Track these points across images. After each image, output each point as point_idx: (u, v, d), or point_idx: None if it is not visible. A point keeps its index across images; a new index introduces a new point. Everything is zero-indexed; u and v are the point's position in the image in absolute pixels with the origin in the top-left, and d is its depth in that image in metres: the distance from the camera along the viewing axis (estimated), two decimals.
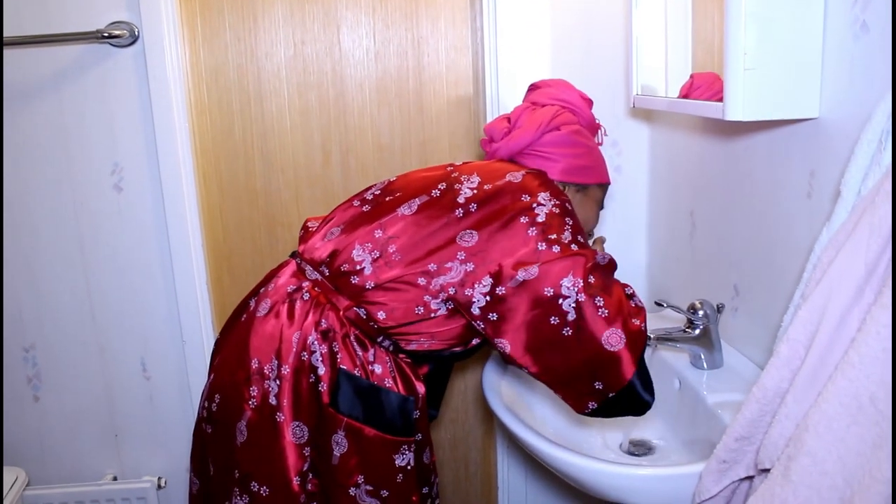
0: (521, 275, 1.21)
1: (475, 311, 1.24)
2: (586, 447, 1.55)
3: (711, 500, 1.13)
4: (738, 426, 1.05)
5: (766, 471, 0.99)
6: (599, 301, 1.20)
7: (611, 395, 1.23)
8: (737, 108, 1.17)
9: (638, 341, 1.22)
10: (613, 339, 1.20)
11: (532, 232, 1.24)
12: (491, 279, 1.23)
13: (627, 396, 1.24)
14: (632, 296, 1.28)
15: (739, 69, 1.15)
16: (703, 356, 1.51)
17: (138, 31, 1.82)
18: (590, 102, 1.53)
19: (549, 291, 1.20)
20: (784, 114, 1.20)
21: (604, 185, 1.51)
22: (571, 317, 1.20)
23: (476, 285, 1.24)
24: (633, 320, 1.23)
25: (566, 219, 1.27)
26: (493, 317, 1.24)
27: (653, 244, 1.98)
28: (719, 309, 1.51)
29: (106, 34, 1.79)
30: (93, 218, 1.95)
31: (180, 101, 1.88)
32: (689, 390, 1.48)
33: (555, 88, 1.52)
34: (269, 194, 2.03)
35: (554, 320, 1.21)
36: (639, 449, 1.53)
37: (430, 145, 2.03)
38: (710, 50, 1.37)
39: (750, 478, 1.08)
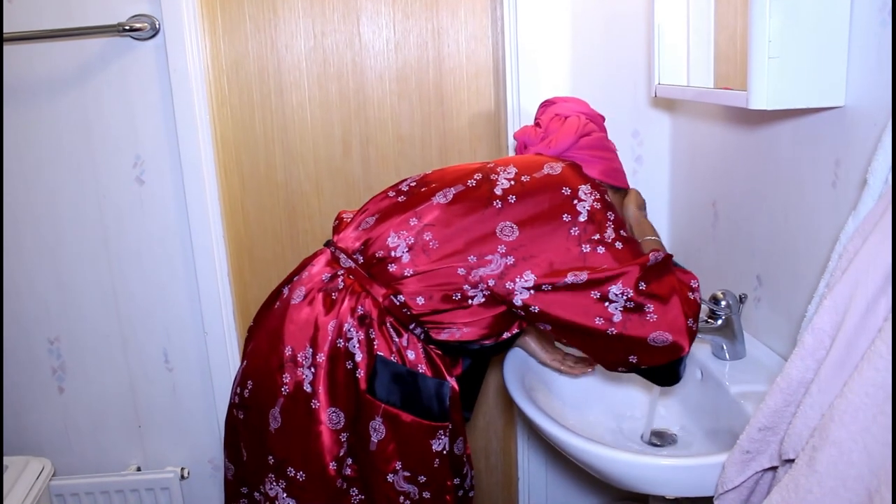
0: (569, 278, 1.22)
1: (517, 301, 1.25)
2: (608, 438, 1.55)
3: (735, 490, 1.12)
4: (761, 416, 1.05)
5: (791, 461, 0.98)
6: (649, 307, 1.22)
7: (643, 367, 1.28)
8: (761, 96, 1.16)
9: (690, 338, 1.24)
10: (659, 339, 1.22)
11: (574, 231, 1.25)
12: (534, 275, 1.24)
13: (660, 371, 1.28)
14: (692, 290, 1.28)
15: (764, 57, 1.14)
16: (725, 347, 1.50)
17: (159, 24, 1.83)
18: (603, 118, 1.58)
19: (595, 295, 1.22)
20: (809, 102, 1.18)
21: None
22: (617, 318, 1.22)
23: (517, 279, 1.24)
24: (690, 322, 1.24)
25: (608, 213, 1.28)
26: (534, 309, 1.25)
27: (675, 234, 1.97)
28: (742, 299, 1.50)
29: (127, 27, 1.79)
30: (116, 210, 1.96)
31: (201, 94, 1.89)
32: (711, 381, 1.47)
33: (574, 103, 1.57)
34: (290, 186, 2.04)
35: (598, 321, 1.22)
36: (660, 439, 1.53)
37: (451, 136, 2.03)
38: (734, 38, 1.36)
39: (773, 468, 1.08)
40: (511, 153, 1.92)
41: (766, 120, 1.44)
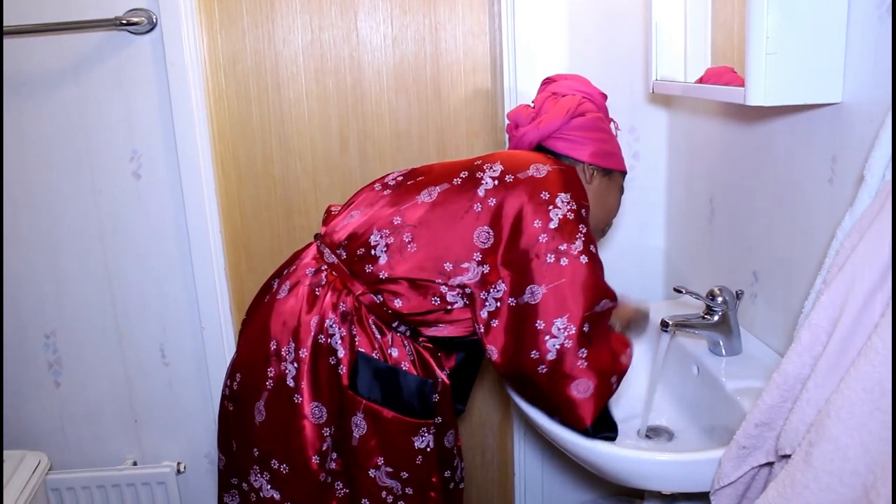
0: (527, 295, 1.23)
1: (483, 314, 1.26)
2: None
3: (731, 485, 1.13)
4: (758, 412, 1.05)
5: (787, 457, 0.98)
6: (583, 353, 1.22)
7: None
8: (758, 92, 1.16)
9: (605, 396, 1.25)
10: (582, 386, 1.23)
11: (543, 238, 1.23)
12: (505, 286, 1.24)
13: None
14: (621, 346, 1.30)
15: (761, 53, 1.14)
16: (721, 343, 1.50)
17: (156, 18, 1.82)
18: (605, 97, 1.54)
19: (540, 325, 1.22)
20: (806, 98, 1.18)
21: (623, 174, 1.51)
22: (551, 356, 1.22)
23: (491, 289, 1.25)
24: (612, 378, 1.26)
25: (580, 226, 1.26)
26: (494, 323, 1.26)
27: (671, 230, 1.97)
28: (738, 295, 1.51)
29: (124, 21, 1.79)
30: (112, 205, 1.96)
31: (198, 88, 1.88)
32: (707, 377, 1.48)
33: (574, 81, 1.53)
34: (287, 181, 2.04)
35: (534, 354, 1.23)
36: (657, 435, 1.53)
37: (448, 132, 2.03)
38: (731, 34, 1.36)
39: (770, 464, 1.08)
40: (507, 147, 1.92)
41: (764, 116, 1.44)
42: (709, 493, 1.17)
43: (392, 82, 1.99)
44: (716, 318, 1.49)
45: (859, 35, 1.13)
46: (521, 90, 1.87)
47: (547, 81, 1.56)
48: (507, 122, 1.54)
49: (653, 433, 1.54)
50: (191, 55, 1.86)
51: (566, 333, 1.21)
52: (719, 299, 1.49)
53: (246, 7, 1.93)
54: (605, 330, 1.28)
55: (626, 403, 1.64)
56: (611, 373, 1.25)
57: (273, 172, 2.03)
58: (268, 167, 2.03)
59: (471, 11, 1.95)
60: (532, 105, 1.51)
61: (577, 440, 1.27)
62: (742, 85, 1.19)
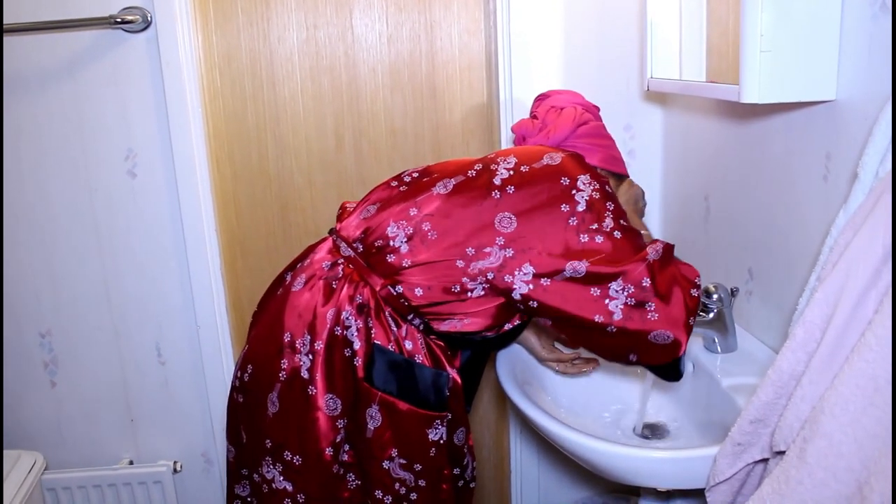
0: (568, 271, 1.22)
1: (516, 296, 1.25)
2: (600, 430, 1.55)
3: (726, 482, 1.13)
4: (753, 409, 1.05)
5: (781, 453, 0.99)
6: (650, 305, 1.21)
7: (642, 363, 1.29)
8: (753, 90, 1.17)
9: (688, 335, 1.23)
10: (660, 338, 1.22)
11: (573, 221, 1.24)
12: (532, 268, 1.23)
13: (661, 367, 1.28)
14: (695, 286, 1.27)
15: (756, 51, 1.15)
16: (717, 340, 1.51)
17: (151, 17, 1.82)
18: (598, 108, 1.58)
19: (595, 292, 1.21)
20: (801, 96, 1.19)
21: (626, 177, 1.55)
22: (617, 316, 1.21)
23: (516, 272, 1.24)
24: (690, 320, 1.23)
25: (607, 203, 1.27)
26: (533, 304, 1.25)
27: (667, 228, 1.98)
28: (733, 293, 1.51)
29: (119, 19, 1.79)
30: (107, 204, 1.95)
31: (193, 87, 1.88)
32: (703, 374, 1.48)
33: (568, 94, 1.57)
34: (282, 179, 2.04)
35: (598, 318, 1.21)
36: (653, 432, 1.54)
37: (444, 130, 2.03)
38: (726, 32, 1.36)
39: (765, 460, 1.08)
40: (504, 146, 1.92)
41: (758, 114, 1.44)
42: (704, 489, 1.17)
43: (387, 80, 1.99)
44: (711, 315, 1.50)
45: (853, 33, 1.13)
46: (517, 88, 1.87)
47: (542, 97, 1.60)
48: (509, 135, 1.55)
49: (648, 430, 1.54)
50: (185, 53, 1.85)
51: (626, 293, 1.20)
52: (714, 296, 1.50)
53: (241, 5, 1.93)
54: (670, 273, 1.25)
55: (622, 400, 1.65)
56: (688, 314, 1.23)
57: (268, 170, 2.03)
58: (263, 165, 2.03)
59: (466, 9, 1.95)
60: (535, 118, 1.53)
61: (573, 437, 1.28)
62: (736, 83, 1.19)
